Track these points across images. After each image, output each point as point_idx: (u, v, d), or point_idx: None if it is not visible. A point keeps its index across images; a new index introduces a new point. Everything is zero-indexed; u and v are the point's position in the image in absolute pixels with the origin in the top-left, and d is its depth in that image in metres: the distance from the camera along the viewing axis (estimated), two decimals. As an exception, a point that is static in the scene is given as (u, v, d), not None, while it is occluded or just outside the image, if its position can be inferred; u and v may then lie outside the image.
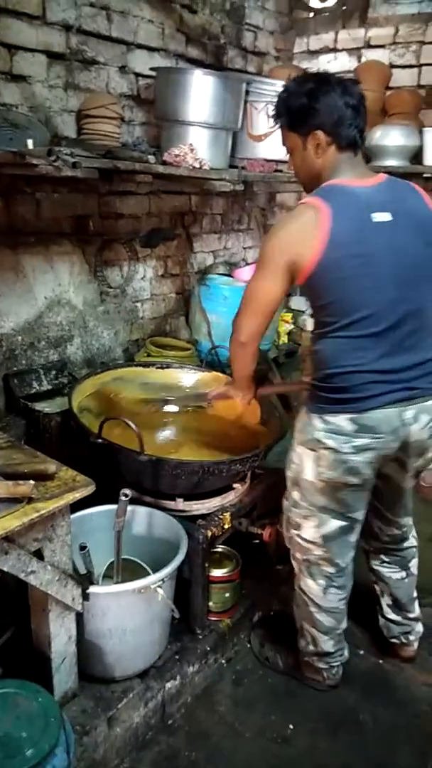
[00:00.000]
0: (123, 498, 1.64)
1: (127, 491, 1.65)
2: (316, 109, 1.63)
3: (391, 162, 2.96)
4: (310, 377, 1.77)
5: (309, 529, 1.83)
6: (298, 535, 1.87)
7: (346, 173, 1.67)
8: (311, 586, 1.91)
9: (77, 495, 1.50)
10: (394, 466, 1.79)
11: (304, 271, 1.60)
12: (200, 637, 2.09)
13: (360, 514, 1.83)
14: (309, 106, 1.64)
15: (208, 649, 2.09)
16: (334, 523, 1.80)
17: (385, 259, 1.60)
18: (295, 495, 1.84)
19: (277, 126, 1.76)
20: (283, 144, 1.79)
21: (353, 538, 1.87)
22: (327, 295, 1.62)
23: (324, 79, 1.68)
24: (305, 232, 1.58)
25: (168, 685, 1.92)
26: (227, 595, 2.17)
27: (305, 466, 1.76)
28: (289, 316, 3.75)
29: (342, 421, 1.66)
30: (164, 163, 2.44)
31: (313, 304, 1.71)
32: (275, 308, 1.74)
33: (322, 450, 1.70)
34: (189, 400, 2.52)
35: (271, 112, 1.77)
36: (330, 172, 1.69)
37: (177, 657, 2.00)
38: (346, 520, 1.80)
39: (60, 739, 1.39)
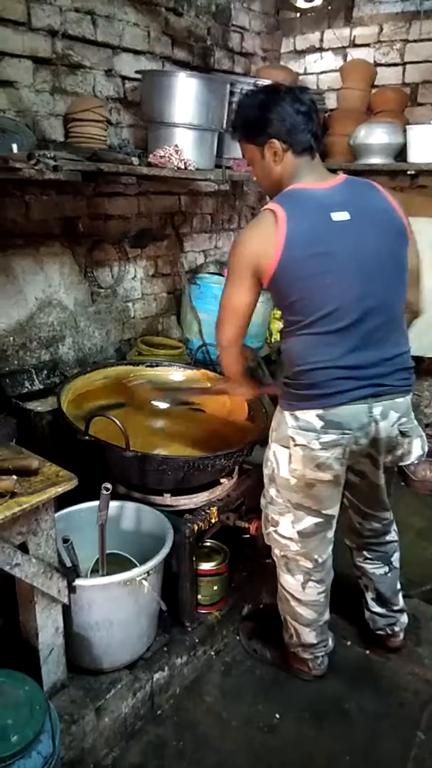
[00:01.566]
0: (104, 492, 1.68)
1: (108, 485, 1.69)
2: (269, 118, 1.69)
3: (376, 160, 2.99)
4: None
5: (285, 525, 1.86)
6: (276, 532, 1.90)
7: (305, 177, 1.73)
8: (289, 581, 1.95)
9: (60, 489, 1.54)
10: (366, 463, 1.82)
11: (267, 273, 1.65)
12: (189, 629, 2.13)
13: (334, 510, 1.86)
14: (262, 116, 1.70)
15: (197, 641, 2.13)
16: (309, 520, 1.83)
17: (346, 255, 1.63)
18: (272, 492, 1.87)
19: (236, 139, 1.83)
20: (244, 156, 1.85)
21: (330, 533, 1.91)
22: (290, 295, 1.67)
23: (273, 90, 1.74)
24: (264, 237, 1.64)
25: (156, 676, 1.96)
26: (215, 588, 2.21)
27: (280, 463, 1.80)
28: (280, 314, 3.78)
29: (311, 417, 1.69)
30: (149, 164, 2.48)
31: (279, 305, 1.76)
32: (250, 312, 1.78)
33: (293, 447, 1.73)
34: (190, 393, 2.61)
35: (229, 128, 1.83)
36: (289, 178, 1.74)
37: (166, 649, 2.04)
38: (321, 516, 1.83)
39: (45, 726, 1.43)
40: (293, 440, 1.73)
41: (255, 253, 1.65)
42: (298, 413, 1.72)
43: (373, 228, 1.67)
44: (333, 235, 1.63)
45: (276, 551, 1.96)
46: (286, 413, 1.75)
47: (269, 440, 1.86)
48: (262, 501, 1.95)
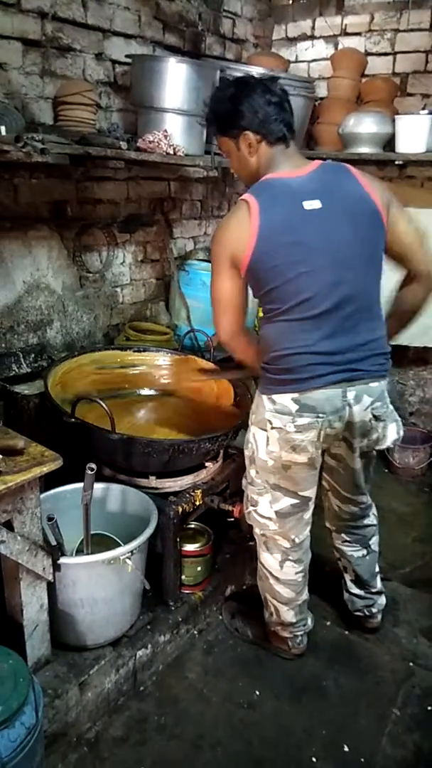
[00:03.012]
0: (89, 472, 1.71)
1: (93, 465, 1.71)
2: (241, 111, 1.71)
3: (364, 149, 3.01)
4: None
5: (264, 505, 1.91)
6: (255, 511, 1.95)
7: (280, 166, 1.75)
8: (268, 559, 2.00)
9: (45, 469, 1.56)
10: (343, 447, 1.87)
11: (243, 263, 1.68)
12: (173, 608, 2.17)
13: (310, 492, 1.91)
14: (234, 109, 1.72)
15: (180, 619, 2.18)
16: (286, 501, 1.87)
17: (318, 244, 1.66)
18: (252, 473, 1.92)
19: (212, 134, 1.85)
20: (220, 149, 1.87)
21: (306, 515, 1.95)
22: (265, 284, 1.70)
23: (244, 82, 1.77)
24: (238, 227, 1.67)
25: (139, 653, 2.01)
26: (199, 569, 2.25)
27: (258, 445, 1.84)
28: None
29: (286, 400, 1.73)
30: (138, 149, 2.48)
31: (256, 294, 1.77)
32: (240, 300, 1.79)
33: (270, 429, 1.77)
34: (224, 375, 2.55)
35: (203, 122, 1.83)
36: (266, 168, 1.76)
37: (149, 627, 2.08)
38: (297, 497, 1.88)
39: (28, 698, 1.47)
40: (270, 423, 1.77)
41: (231, 244, 1.69)
42: (274, 396, 1.76)
43: (346, 215, 1.69)
44: (305, 223, 1.66)
45: (256, 530, 2.01)
46: (264, 397, 1.80)
47: (249, 422, 1.91)
48: (243, 481, 2.01)
